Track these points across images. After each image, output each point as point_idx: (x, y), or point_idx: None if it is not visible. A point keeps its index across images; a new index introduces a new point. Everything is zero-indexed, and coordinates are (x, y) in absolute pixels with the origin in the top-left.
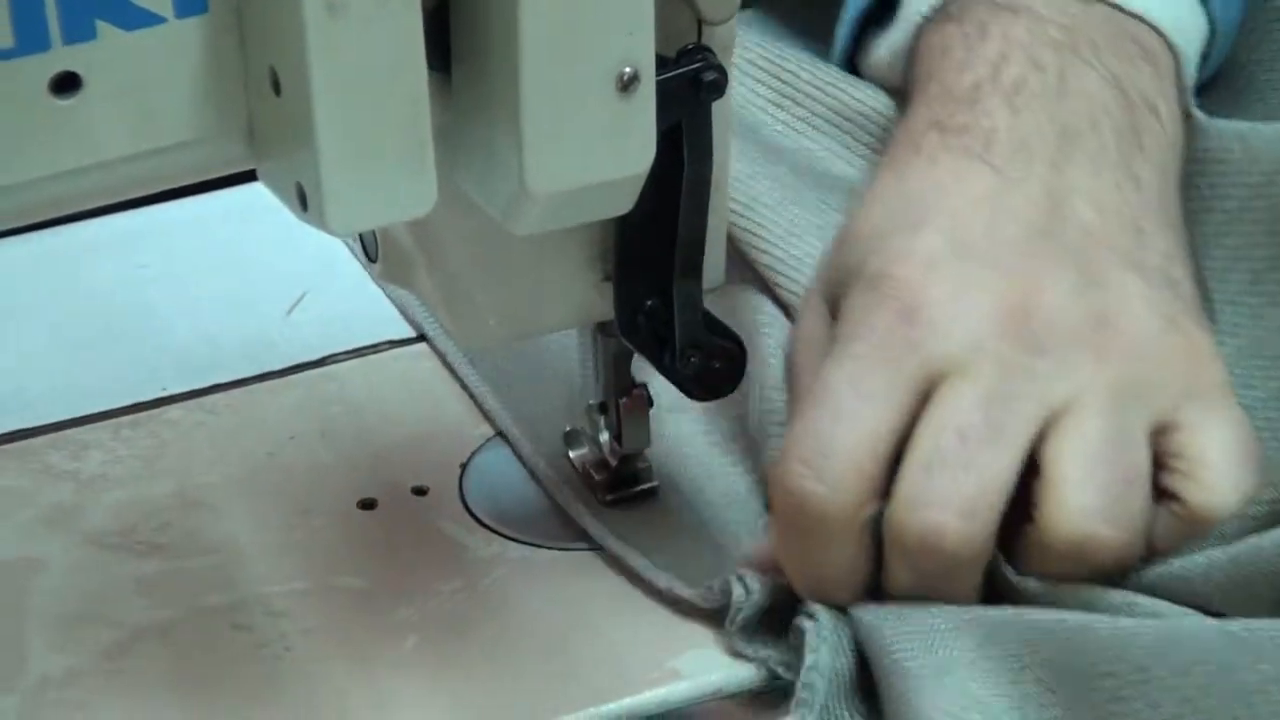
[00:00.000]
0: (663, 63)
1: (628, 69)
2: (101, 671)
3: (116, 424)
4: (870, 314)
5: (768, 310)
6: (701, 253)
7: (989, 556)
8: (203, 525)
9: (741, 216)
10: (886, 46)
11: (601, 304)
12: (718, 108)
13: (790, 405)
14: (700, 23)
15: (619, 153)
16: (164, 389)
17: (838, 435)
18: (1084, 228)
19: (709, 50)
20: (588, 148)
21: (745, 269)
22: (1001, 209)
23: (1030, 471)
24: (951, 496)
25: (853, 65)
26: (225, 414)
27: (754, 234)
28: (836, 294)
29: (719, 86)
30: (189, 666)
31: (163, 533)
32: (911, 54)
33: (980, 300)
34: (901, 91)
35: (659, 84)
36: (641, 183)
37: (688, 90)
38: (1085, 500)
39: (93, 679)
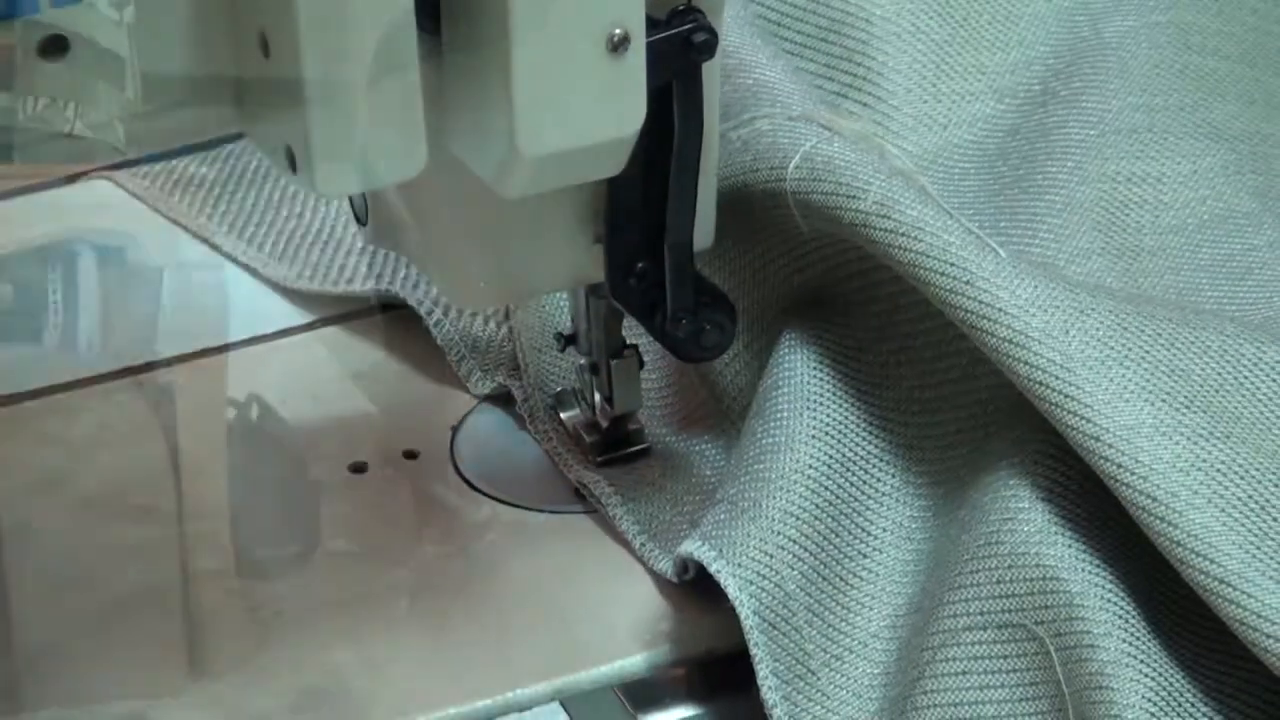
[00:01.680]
0: (653, 24)
1: (618, 30)
2: (93, 636)
3: (107, 388)
4: None
5: None
6: (693, 214)
7: None
8: (194, 490)
9: None
10: None
11: (592, 266)
12: (708, 69)
13: None
14: None
15: (610, 114)
16: (155, 353)
17: None
18: None
19: (699, 11)
20: (578, 109)
21: None
22: None
23: None
24: None
25: None
26: (216, 378)
27: None
28: None
29: (710, 47)
30: (181, 631)
31: (154, 497)
32: None
33: None
34: None
35: (650, 45)
36: (632, 144)
37: (678, 51)
38: None
39: (85, 644)
